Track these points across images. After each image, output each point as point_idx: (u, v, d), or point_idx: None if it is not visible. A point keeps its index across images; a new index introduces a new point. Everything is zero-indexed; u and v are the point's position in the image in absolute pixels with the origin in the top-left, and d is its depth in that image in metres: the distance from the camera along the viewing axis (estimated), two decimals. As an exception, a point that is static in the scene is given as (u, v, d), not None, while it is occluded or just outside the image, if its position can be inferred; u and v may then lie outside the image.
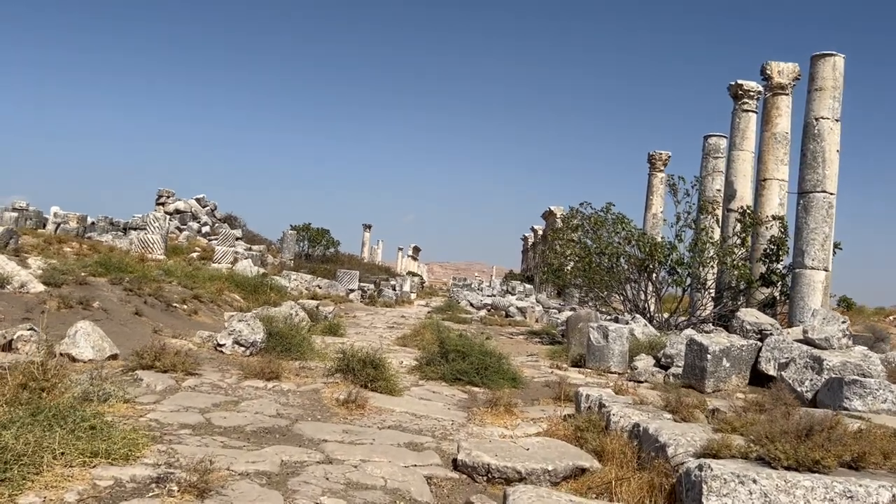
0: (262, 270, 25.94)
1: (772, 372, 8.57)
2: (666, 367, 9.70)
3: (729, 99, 17.72)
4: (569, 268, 16.68)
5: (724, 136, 19.70)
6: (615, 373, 10.05)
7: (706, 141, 19.72)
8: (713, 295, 15.20)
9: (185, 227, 36.43)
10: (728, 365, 8.60)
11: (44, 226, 30.40)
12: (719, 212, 15.71)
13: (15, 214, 29.94)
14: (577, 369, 10.25)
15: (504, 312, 26.07)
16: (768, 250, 13.93)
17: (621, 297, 15.39)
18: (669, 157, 26.12)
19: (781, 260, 13.89)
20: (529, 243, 77.57)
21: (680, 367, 9.45)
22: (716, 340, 8.69)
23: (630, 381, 9.61)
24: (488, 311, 27.41)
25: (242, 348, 8.35)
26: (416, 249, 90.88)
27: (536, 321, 25.58)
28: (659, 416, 4.72)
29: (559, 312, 27.26)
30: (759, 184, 15.74)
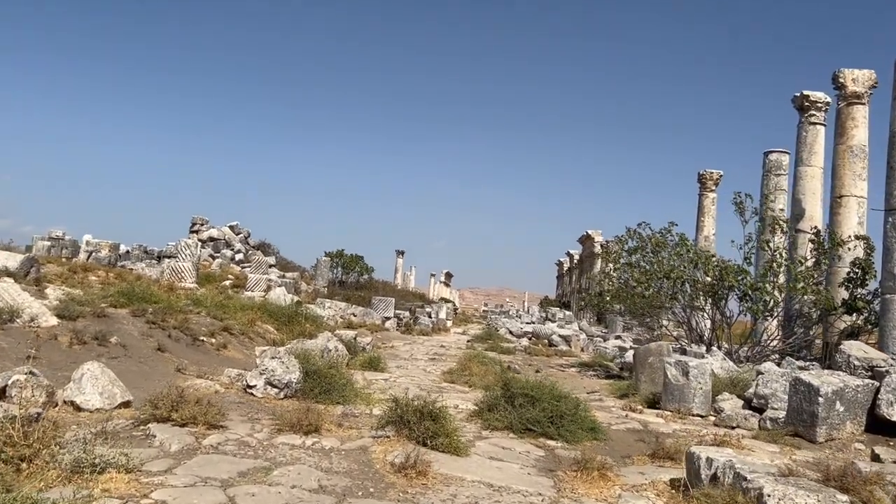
0: (296, 298, 25.06)
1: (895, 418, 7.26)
2: (759, 410, 8.40)
3: (791, 113, 16.47)
4: (623, 294, 15.40)
5: (787, 152, 18.39)
6: (698, 415, 8.78)
7: (767, 157, 18.41)
8: (780, 323, 13.82)
9: (218, 254, 35.93)
10: (842, 409, 7.30)
11: (78, 254, 30.01)
12: (782, 233, 14.37)
13: (48, 244, 29.58)
14: (654, 411, 8.98)
15: (547, 341, 24.77)
16: (852, 274, 12.56)
17: (683, 326, 14.07)
18: (721, 176, 24.80)
19: (867, 285, 12.52)
20: (565, 268, 76.16)
21: (777, 409, 8.15)
22: (826, 380, 7.40)
23: (718, 425, 8.34)
24: (529, 339, 26.12)
25: (276, 390, 7.28)
26: (449, 275, 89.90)
27: (582, 350, 24.26)
28: (831, 497, 3.52)
29: (604, 341, 25.93)
30: (834, 201, 14.40)
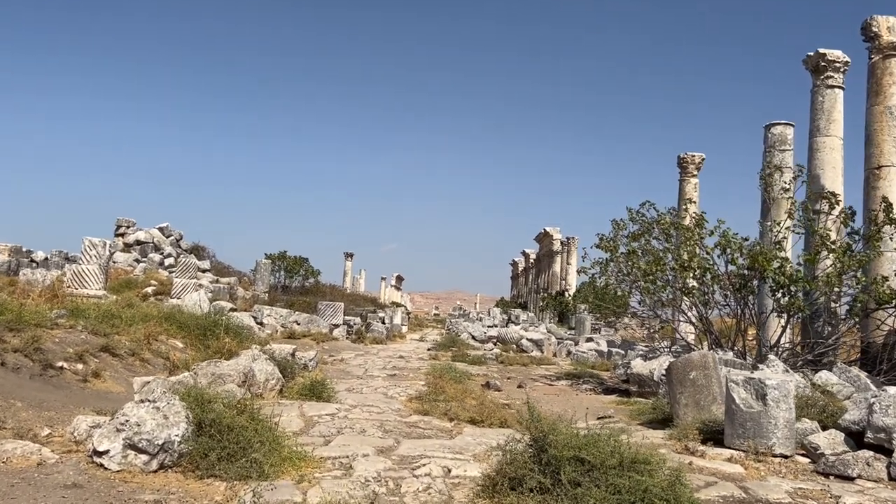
0: (228, 305, 21.77)
1: None
2: (877, 448, 5.77)
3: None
4: (619, 290, 12.77)
5: (791, 125, 16.08)
6: (780, 455, 6.12)
7: (768, 132, 16.04)
8: (823, 321, 11.37)
9: (145, 259, 32.31)
10: None
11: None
12: (830, 209, 11.83)
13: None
14: (718, 450, 6.28)
15: (516, 346, 22.15)
16: (912, 258, 10.23)
17: (701, 325, 11.50)
18: (703, 159, 22.53)
19: (930, 271, 10.19)
20: (520, 268, 73.87)
21: (913, 448, 5.53)
22: None
23: (821, 472, 5.69)
24: (496, 344, 23.46)
25: (144, 457, 4.31)
26: (400, 279, 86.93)
27: (555, 355, 21.72)
28: None
29: (576, 344, 23.42)
30: (871, 173, 12.05)
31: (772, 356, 9.43)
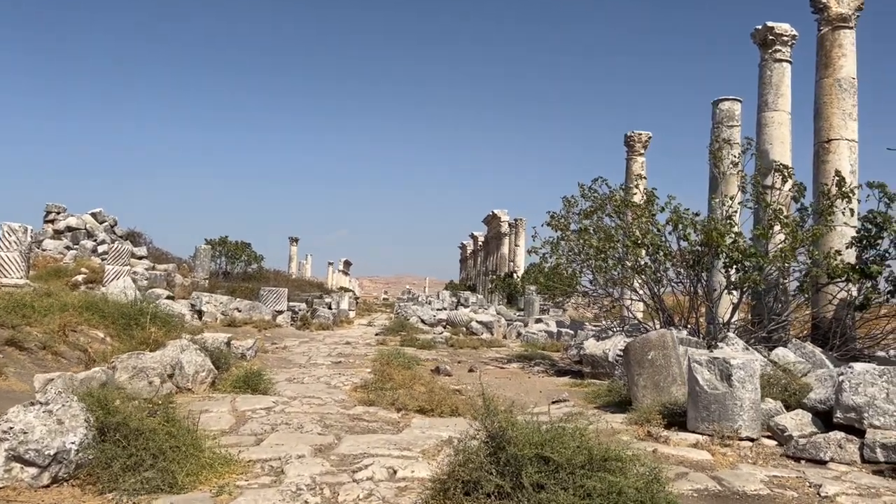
0: (164, 293, 20.77)
1: None
2: (847, 429, 5.47)
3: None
4: (570, 269, 12.40)
5: (739, 100, 15.96)
6: (747, 438, 5.79)
7: (716, 107, 15.89)
8: (774, 297, 11.20)
9: (77, 246, 30.78)
10: None
11: None
12: (782, 183, 11.62)
13: None
14: (682, 435, 5.91)
15: (465, 328, 21.80)
16: (863, 231, 10.08)
17: (653, 303, 11.20)
18: (650, 138, 22.40)
19: (878, 245, 10.06)
20: (468, 251, 73.61)
21: (889, 429, 5.24)
22: None
23: (791, 457, 5.37)
24: (445, 327, 23.07)
25: (33, 470, 3.65)
26: (347, 264, 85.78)
27: (505, 337, 21.46)
28: None
29: (525, 326, 23.18)
30: (821, 147, 11.88)
31: (731, 334, 9.18)
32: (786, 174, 10.56)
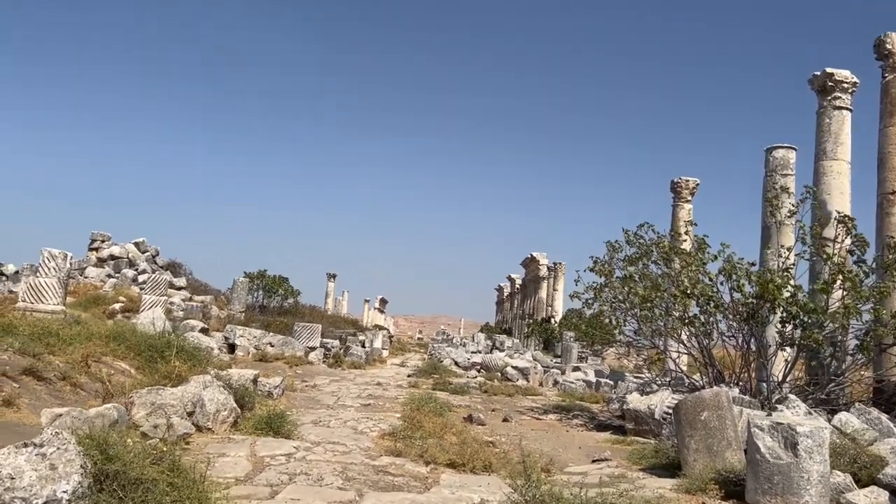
0: (199, 324, 20.61)
1: None
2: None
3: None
4: (613, 319, 11.81)
5: (794, 148, 15.35)
6: (815, 517, 5.16)
7: (770, 155, 15.30)
8: (831, 357, 10.46)
9: (118, 274, 31.16)
10: None
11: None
12: (846, 235, 10.96)
13: None
14: (739, 510, 5.32)
15: (500, 374, 21.17)
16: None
17: (702, 357, 10.56)
18: (698, 184, 21.82)
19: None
20: (506, 293, 72.81)
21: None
22: None
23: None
24: (479, 371, 22.50)
25: (18, 521, 3.28)
26: (384, 301, 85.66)
27: (541, 384, 20.78)
28: None
29: (563, 374, 22.49)
30: (884, 199, 11.27)
31: (791, 395, 8.50)
32: (850, 226, 9.94)
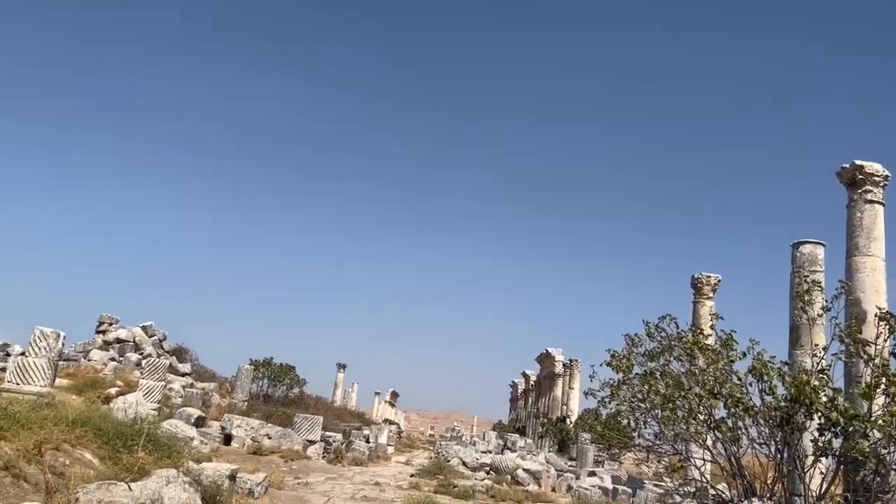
0: (196, 412, 19.62)
1: None
2: None
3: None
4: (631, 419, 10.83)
5: (822, 244, 14.59)
6: None
7: (796, 251, 14.54)
8: (873, 470, 9.37)
9: (122, 358, 30.40)
10: None
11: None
12: (890, 334, 10.10)
13: None
14: None
15: (510, 477, 19.85)
16: None
17: (730, 466, 9.50)
18: (720, 281, 21.00)
19: None
20: (520, 390, 70.75)
21: None
22: None
23: None
24: (487, 472, 21.18)
25: None
26: (395, 395, 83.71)
27: (553, 489, 19.40)
28: None
29: (577, 478, 21.10)
30: (926, 297, 10.43)
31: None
32: (892, 324, 9.07)
